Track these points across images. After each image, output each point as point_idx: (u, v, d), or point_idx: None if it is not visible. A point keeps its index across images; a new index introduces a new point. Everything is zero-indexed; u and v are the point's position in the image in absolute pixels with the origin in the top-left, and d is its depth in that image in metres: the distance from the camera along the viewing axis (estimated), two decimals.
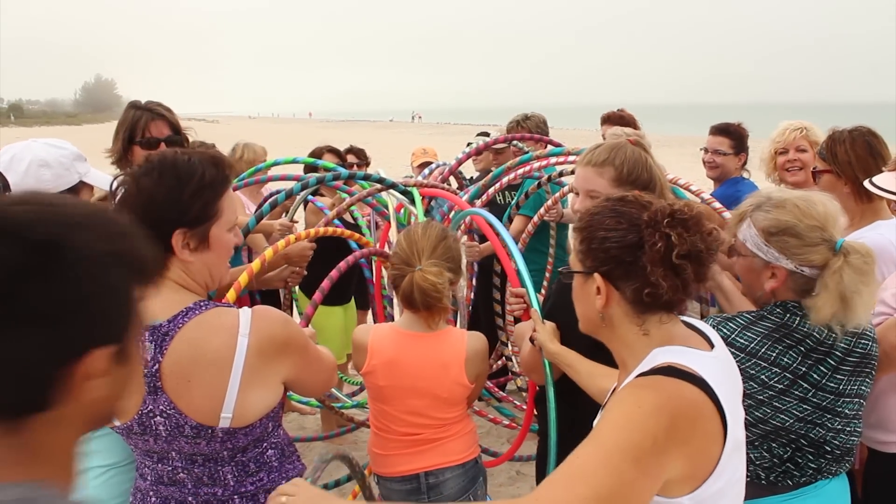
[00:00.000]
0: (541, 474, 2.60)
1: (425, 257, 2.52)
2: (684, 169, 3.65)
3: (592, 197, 2.38)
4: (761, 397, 2.17)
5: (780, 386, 2.16)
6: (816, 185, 3.14)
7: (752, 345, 2.18)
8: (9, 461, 0.96)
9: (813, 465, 2.21)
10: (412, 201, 3.79)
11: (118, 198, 1.87)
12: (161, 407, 1.82)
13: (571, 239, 1.83)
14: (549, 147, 4.60)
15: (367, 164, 6.31)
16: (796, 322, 2.19)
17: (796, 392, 2.17)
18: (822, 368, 2.19)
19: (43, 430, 0.97)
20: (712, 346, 1.71)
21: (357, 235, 3.86)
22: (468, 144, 4.96)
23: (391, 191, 3.84)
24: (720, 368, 1.64)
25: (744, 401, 2.09)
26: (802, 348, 2.17)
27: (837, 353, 2.20)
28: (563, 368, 2.35)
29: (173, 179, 1.82)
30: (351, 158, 6.05)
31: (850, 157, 3.05)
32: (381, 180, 3.60)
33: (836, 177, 3.06)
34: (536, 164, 3.95)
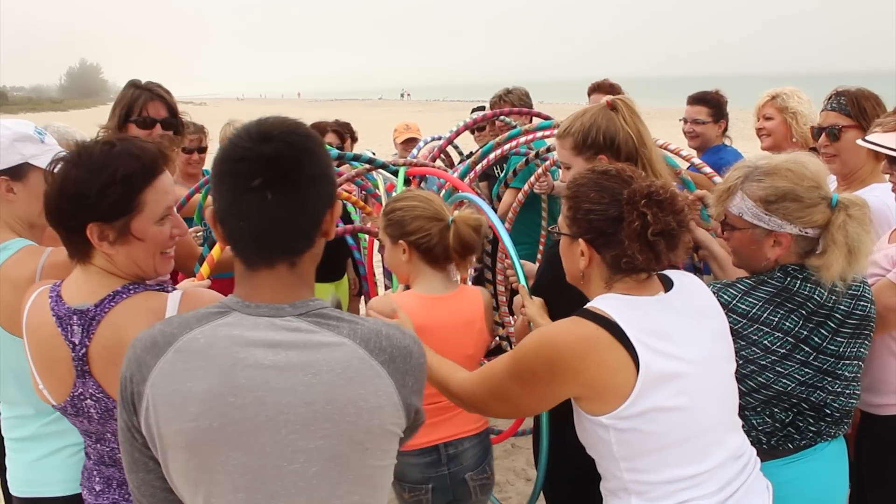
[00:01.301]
0: (536, 447, 2.62)
1: (446, 210, 2.58)
2: (674, 140, 3.66)
3: (567, 167, 2.49)
4: (764, 362, 2.18)
5: (782, 350, 2.17)
6: (833, 143, 3.11)
7: (754, 310, 2.18)
8: (295, 286, 1.45)
9: (813, 429, 2.23)
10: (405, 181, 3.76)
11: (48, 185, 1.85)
12: (90, 390, 1.84)
13: (563, 204, 2.03)
14: (536, 120, 4.57)
15: (355, 141, 6.22)
16: (797, 285, 2.19)
17: (798, 356, 2.18)
18: (822, 331, 2.20)
19: (305, 264, 1.47)
20: (664, 289, 1.95)
21: (362, 203, 3.82)
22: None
23: (381, 171, 3.80)
24: (660, 309, 1.88)
25: (746, 366, 2.15)
26: (804, 311, 2.18)
27: (838, 315, 2.21)
28: None
29: (85, 173, 1.78)
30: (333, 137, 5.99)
31: (877, 112, 3.04)
32: (370, 160, 3.56)
33: (863, 132, 3.00)
34: (523, 139, 3.93)
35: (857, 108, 3.08)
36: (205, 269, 2.61)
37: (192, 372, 1.36)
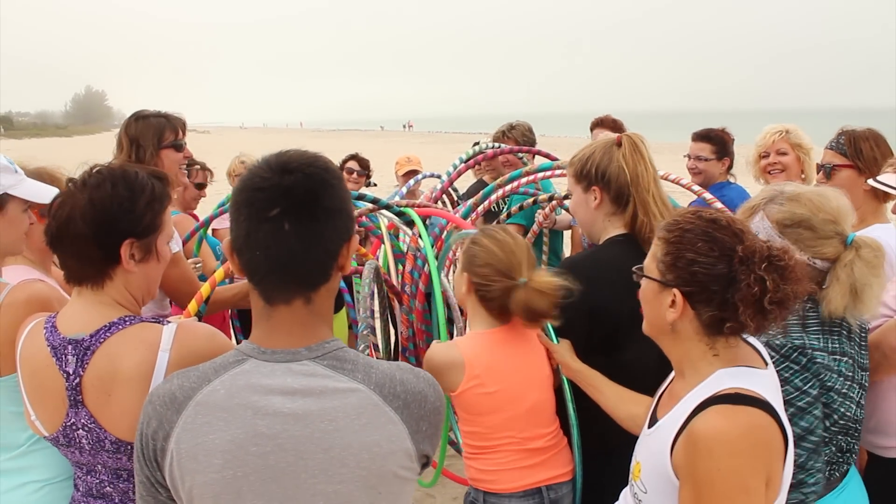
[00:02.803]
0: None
1: (526, 268, 2.36)
2: (683, 175, 3.65)
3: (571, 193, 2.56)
4: (839, 389, 2.13)
5: (848, 373, 2.15)
6: (827, 181, 3.11)
7: (808, 341, 2.12)
8: (312, 325, 1.45)
9: (846, 448, 2.20)
10: (405, 222, 3.68)
11: (63, 209, 1.85)
12: (83, 421, 1.82)
13: (654, 245, 1.84)
14: (538, 159, 4.55)
15: (369, 176, 6.16)
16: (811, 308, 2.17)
17: (857, 378, 2.17)
18: (854, 346, 2.20)
19: (322, 298, 1.47)
20: (766, 363, 1.77)
21: (363, 250, 3.79)
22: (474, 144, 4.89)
23: (384, 211, 3.73)
24: (774, 386, 1.73)
25: (827, 396, 2.10)
26: (843, 331, 2.18)
27: (855, 329, 2.21)
28: (584, 388, 2.32)
29: (127, 191, 1.87)
30: (353, 165, 6.00)
31: (875, 154, 3.06)
32: (375, 201, 3.50)
33: (857, 173, 3.04)
34: (525, 180, 3.90)
35: (854, 148, 3.10)
36: (192, 306, 2.58)
37: (214, 424, 1.38)
